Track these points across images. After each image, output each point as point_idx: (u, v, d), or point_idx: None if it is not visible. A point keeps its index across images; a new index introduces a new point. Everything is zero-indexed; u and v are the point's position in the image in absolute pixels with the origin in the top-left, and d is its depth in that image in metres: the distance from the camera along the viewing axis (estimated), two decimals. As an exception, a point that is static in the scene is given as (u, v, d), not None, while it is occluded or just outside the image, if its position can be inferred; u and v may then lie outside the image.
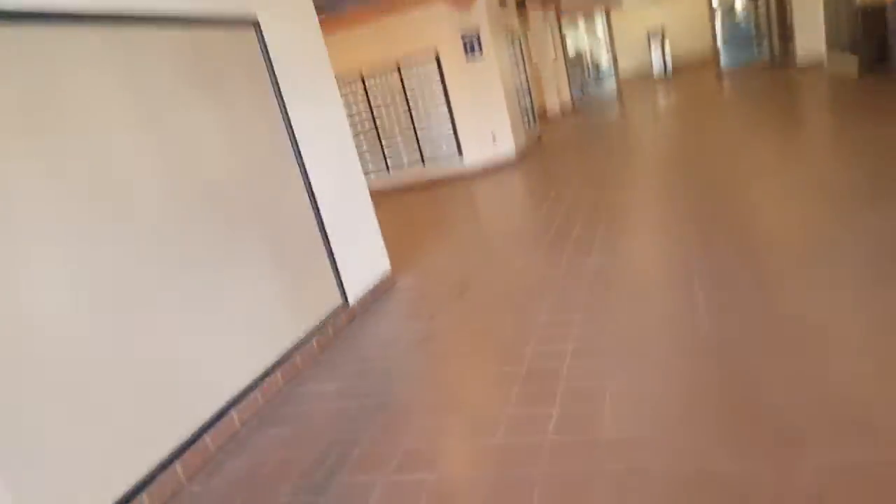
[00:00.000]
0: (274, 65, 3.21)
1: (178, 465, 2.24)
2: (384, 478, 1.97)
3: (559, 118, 12.32)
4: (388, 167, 8.38)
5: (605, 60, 17.16)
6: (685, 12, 16.78)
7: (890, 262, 2.52)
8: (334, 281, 3.45)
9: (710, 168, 5.11)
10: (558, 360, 2.43)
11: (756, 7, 13.27)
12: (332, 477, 2.04)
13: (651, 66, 15.77)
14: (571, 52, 15.41)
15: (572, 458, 1.81)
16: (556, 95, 12.83)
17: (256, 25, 3.13)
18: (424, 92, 7.87)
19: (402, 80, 7.89)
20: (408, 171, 8.30)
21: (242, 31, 3.05)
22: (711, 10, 12.66)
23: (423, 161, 8.19)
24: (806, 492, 1.47)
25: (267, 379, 2.75)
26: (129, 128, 2.33)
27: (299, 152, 3.31)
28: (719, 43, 12.91)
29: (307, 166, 3.35)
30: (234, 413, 2.53)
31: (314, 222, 3.36)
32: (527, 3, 11.60)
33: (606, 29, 14.11)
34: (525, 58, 10.22)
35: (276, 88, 3.22)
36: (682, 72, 15.12)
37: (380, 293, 3.90)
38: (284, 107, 3.25)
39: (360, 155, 7.33)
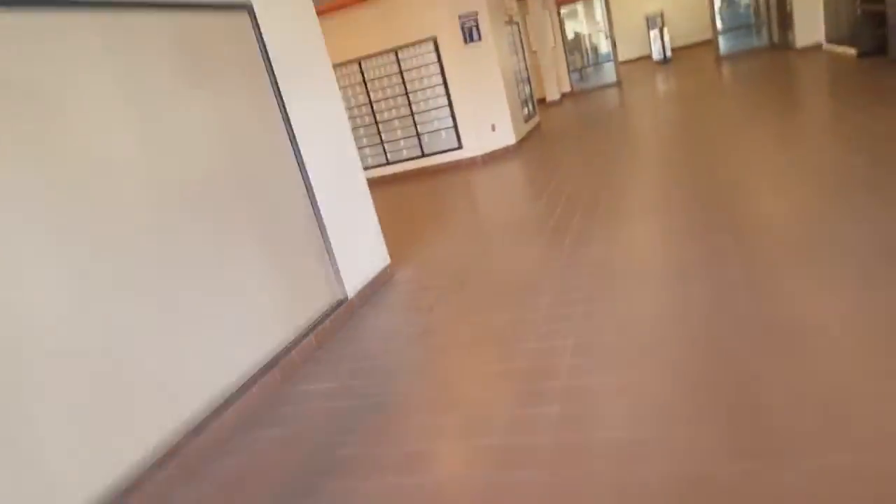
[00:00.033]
0: (269, 51, 3.11)
1: (164, 467, 2.19)
2: (377, 481, 1.92)
3: (558, 104, 12.18)
4: (386, 155, 8.27)
5: (604, 46, 16.95)
6: (685, -2, 16.57)
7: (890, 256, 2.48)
8: (332, 274, 3.38)
9: (708, 154, 5.05)
10: (558, 357, 2.38)
11: (756, -8, 13.09)
12: (322, 480, 2.00)
13: (650, 51, 15.59)
14: (570, 38, 15.21)
15: (571, 460, 1.77)
16: (556, 82, 12.68)
17: (250, 10, 3.02)
18: (423, 79, 7.73)
19: (399, 67, 7.75)
20: (406, 160, 8.19)
21: (236, 16, 2.94)
22: (711, -3, 12.50)
23: (421, 149, 8.08)
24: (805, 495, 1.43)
25: (263, 377, 2.70)
26: (115, 116, 2.25)
27: (295, 141, 3.23)
28: (719, 29, 12.75)
29: (303, 156, 3.27)
30: (226, 413, 2.48)
31: (311, 214, 3.29)
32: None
33: (605, 14, 13.92)
34: (524, 44, 10.06)
35: (272, 75, 3.12)
36: (682, 57, 14.96)
37: (378, 285, 3.84)
38: (280, 94, 3.16)
39: (358, 143, 7.22)
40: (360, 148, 8.11)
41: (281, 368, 2.81)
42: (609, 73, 13.97)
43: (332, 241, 3.40)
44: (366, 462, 2.04)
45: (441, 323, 3.08)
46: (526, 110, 9.13)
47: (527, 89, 9.51)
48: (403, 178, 8.09)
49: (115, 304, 2.11)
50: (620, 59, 14.03)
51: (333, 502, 1.88)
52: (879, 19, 6.79)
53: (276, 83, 3.14)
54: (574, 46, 16.04)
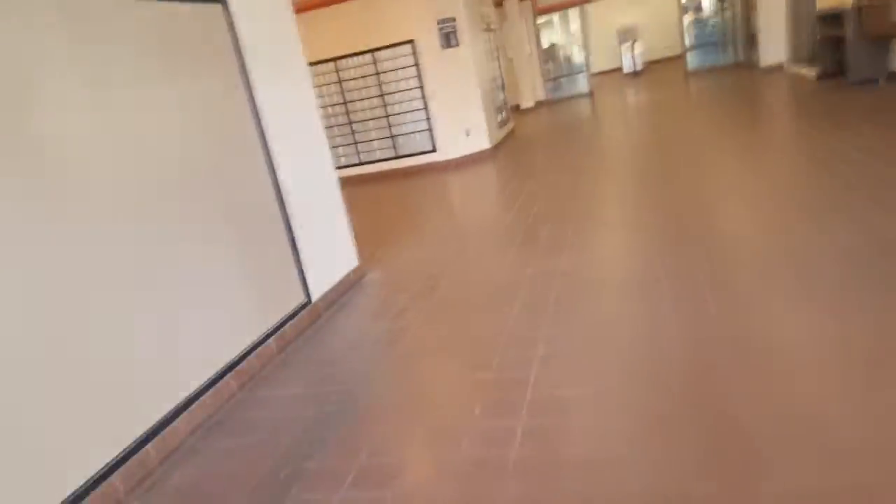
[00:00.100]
0: (241, 45, 2.99)
1: (116, 478, 2.05)
2: (340, 494, 1.83)
3: (533, 112, 12.29)
4: (359, 155, 8.14)
5: (577, 56, 17.22)
6: (656, 15, 17.02)
7: (862, 269, 2.54)
8: (297, 277, 3.26)
9: (675, 164, 5.14)
10: (527, 367, 2.34)
11: (723, 10, 13.53)
12: (284, 493, 1.89)
13: (621, 63, 15.93)
14: (545, 47, 15.39)
15: (540, 475, 1.72)
16: (530, 89, 12.80)
17: (224, 2, 2.90)
18: (399, 81, 7.66)
19: (376, 69, 7.66)
20: (379, 161, 8.09)
21: (208, 8, 2.81)
22: (681, 15, 12.85)
23: (395, 150, 7.99)
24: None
25: (219, 383, 2.56)
26: (76, 105, 2.10)
27: (264, 137, 3.11)
28: (687, 46, 13.13)
29: (272, 152, 3.15)
30: (181, 420, 2.34)
31: (277, 212, 3.16)
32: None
33: (580, 26, 14.15)
34: (500, 51, 10.11)
35: (243, 71, 3.00)
36: (652, 71, 15.35)
37: (346, 289, 3.73)
38: (251, 90, 3.04)
39: (331, 143, 7.05)
40: (333, 147, 7.94)
41: (238, 374, 2.68)
42: (582, 83, 14.21)
43: (298, 240, 3.28)
44: (331, 474, 1.95)
45: (410, 328, 3.00)
46: (501, 116, 9.16)
47: (502, 95, 9.54)
48: (376, 178, 7.98)
49: (69, 304, 1.96)
50: (593, 70, 14.28)
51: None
52: (838, 43, 7.09)
53: (248, 79, 3.02)
54: (549, 56, 16.24)
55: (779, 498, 1.46)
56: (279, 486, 1.93)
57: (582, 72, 14.51)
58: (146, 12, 2.47)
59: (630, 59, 15.15)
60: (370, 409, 2.32)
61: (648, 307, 2.64)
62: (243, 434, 2.31)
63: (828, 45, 7.47)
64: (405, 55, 7.54)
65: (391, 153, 8.01)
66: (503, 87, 9.73)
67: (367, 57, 7.64)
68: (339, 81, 7.84)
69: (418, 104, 7.70)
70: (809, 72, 8.13)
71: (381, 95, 7.77)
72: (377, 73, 7.69)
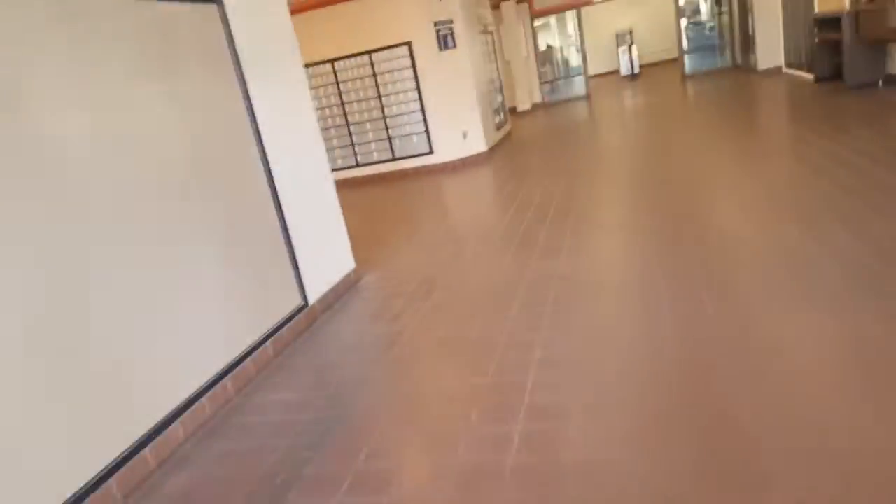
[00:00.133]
0: (237, 46, 2.99)
1: (112, 483, 2.03)
2: (337, 499, 1.82)
3: (529, 114, 12.30)
4: (356, 157, 8.13)
5: (574, 59, 17.26)
6: (653, 18, 17.09)
7: (856, 276, 2.55)
8: (294, 279, 3.25)
9: (672, 167, 5.15)
10: (525, 371, 2.33)
11: (720, 14, 13.58)
12: (281, 499, 1.88)
13: (619, 66, 15.98)
14: (542, 50, 15.41)
15: (538, 480, 1.72)
16: (527, 92, 12.81)
17: (219, 1, 2.89)
18: (396, 83, 7.66)
19: (373, 70, 7.65)
20: (376, 163, 8.08)
21: (204, 9, 2.80)
22: (678, 19, 12.89)
23: (392, 152, 7.99)
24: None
25: (215, 387, 2.55)
26: (70, 106, 2.09)
27: (261, 140, 3.10)
28: (685, 50, 13.17)
29: (269, 155, 3.14)
30: (177, 425, 2.33)
31: (274, 215, 3.15)
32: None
33: (577, 28, 14.19)
34: (497, 53, 10.12)
35: (239, 72, 2.99)
36: (649, 73, 15.39)
37: (342, 292, 3.72)
38: (246, 91, 3.03)
39: (328, 144, 7.06)
40: (330, 149, 7.95)
41: (235, 378, 2.67)
42: (579, 85, 14.24)
43: (295, 243, 3.27)
44: (327, 480, 1.94)
45: (406, 332, 3.00)
46: (498, 118, 9.17)
47: (499, 98, 9.55)
48: (373, 180, 7.98)
49: (66, 307, 1.94)
50: (590, 72, 14.32)
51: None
52: (835, 47, 7.12)
53: (244, 80, 3.02)
54: (546, 58, 16.27)
55: (780, 501, 1.47)
56: (276, 492, 1.92)
57: (579, 74, 14.56)
58: (143, 12, 2.46)
59: (627, 61, 15.20)
60: (367, 414, 2.31)
61: (646, 310, 2.64)
62: (240, 438, 2.30)
63: (825, 49, 7.50)
64: (402, 57, 7.54)
65: (388, 155, 8.01)
66: (500, 90, 9.74)
67: (364, 58, 7.63)
68: (337, 83, 7.83)
69: (415, 106, 7.70)
70: (807, 75, 8.17)
71: (379, 97, 7.77)
72: (374, 75, 7.68)
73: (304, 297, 3.31)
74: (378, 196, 7.03)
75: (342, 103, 7.90)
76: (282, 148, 3.27)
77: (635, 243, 3.59)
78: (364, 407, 2.37)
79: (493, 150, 8.20)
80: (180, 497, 2.01)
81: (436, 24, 7.45)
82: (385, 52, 7.55)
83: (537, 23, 14.21)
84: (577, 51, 15.45)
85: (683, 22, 13.51)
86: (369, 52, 7.58)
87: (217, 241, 2.70)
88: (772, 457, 1.62)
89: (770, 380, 1.97)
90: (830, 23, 7.13)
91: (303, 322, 3.26)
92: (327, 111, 7.94)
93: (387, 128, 7.89)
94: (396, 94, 7.70)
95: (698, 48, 15.17)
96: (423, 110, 7.70)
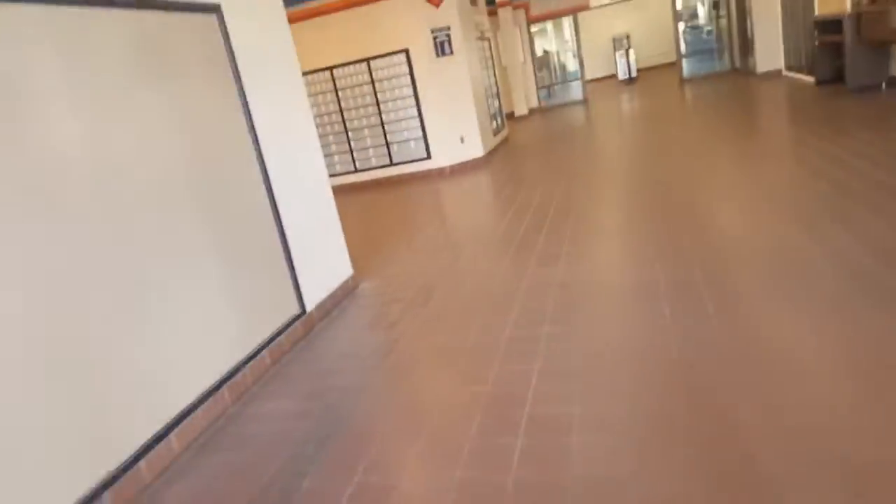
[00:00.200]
0: (235, 55, 2.98)
1: (107, 496, 2.00)
2: (339, 512, 1.79)
3: (526, 119, 12.32)
4: (354, 163, 8.13)
5: (571, 64, 17.32)
6: (651, 23, 17.14)
7: (860, 281, 2.52)
8: (291, 286, 3.23)
9: (671, 171, 5.14)
10: (525, 381, 2.30)
11: (718, 17, 13.63)
12: (281, 510, 1.85)
13: (616, 70, 16.03)
14: (539, 55, 15.47)
15: (539, 496, 1.69)
16: (524, 96, 12.84)
17: (218, 11, 2.89)
18: (394, 89, 7.67)
19: (371, 77, 7.67)
20: (374, 168, 8.08)
21: (203, 17, 2.80)
22: (676, 23, 12.94)
23: (390, 158, 7.99)
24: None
25: (212, 397, 2.52)
26: (67, 115, 2.07)
27: (259, 147, 3.08)
28: (682, 53, 13.20)
29: (267, 162, 3.12)
30: (173, 436, 2.30)
31: (271, 221, 3.13)
32: (497, 3, 11.52)
33: (574, 33, 14.26)
34: (494, 59, 10.15)
35: (237, 80, 2.98)
36: (646, 77, 15.43)
37: (340, 298, 3.70)
38: (245, 99, 3.02)
39: (327, 150, 7.08)
40: (328, 155, 7.96)
41: (232, 387, 2.64)
42: (576, 90, 14.28)
43: (292, 250, 3.25)
44: (326, 493, 1.91)
45: (405, 340, 2.97)
46: (495, 124, 9.18)
47: (496, 103, 9.56)
48: (371, 186, 7.98)
49: (62, 317, 1.92)
50: (587, 77, 14.35)
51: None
52: (836, 50, 7.10)
53: (242, 88, 3.01)
54: (543, 63, 16.33)
55: (781, 513, 1.44)
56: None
57: (576, 79, 14.60)
58: (142, 22, 2.45)
59: (625, 66, 15.25)
60: (365, 424, 2.28)
61: (646, 318, 2.62)
62: (237, 449, 2.27)
63: (826, 52, 7.48)
64: (400, 64, 7.56)
65: (386, 161, 8.01)
66: (497, 95, 9.75)
67: (363, 66, 7.66)
68: (336, 90, 7.84)
69: (412, 112, 7.71)
70: (808, 78, 8.15)
71: (377, 104, 7.78)
72: (372, 82, 7.70)
73: (302, 305, 3.28)
74: (376, 201, 7.02)
75: (341, 110, 7.91)
76: (279, 155, 3.25)
77: (634, 249, 3.57)
78: (362, 416, 2.34)
79: (490, 154, 8.20)
80: (176, 510, 1.98)
81: (433, 31, 7.47)
82: (383, 60, 7.57)
83: (534, 28, 14.26)
84: (574, 55, 15.49)
85: (681, 26, 13.55)
86: (367, 60, 7.60)
87: (214, 249, 2.68)
88: (775, 466, 1.59)
89: (773, 386, 1.94)
90: (831, 25, 7.11)
91: (300, 330, 3.23)
92: (326, 118, 7.96)
93: (385, 134, 7.90)
94: (394, 100, 7.72)
95: (696, 52, 15.21)
96: (420, 116, 7.71)
